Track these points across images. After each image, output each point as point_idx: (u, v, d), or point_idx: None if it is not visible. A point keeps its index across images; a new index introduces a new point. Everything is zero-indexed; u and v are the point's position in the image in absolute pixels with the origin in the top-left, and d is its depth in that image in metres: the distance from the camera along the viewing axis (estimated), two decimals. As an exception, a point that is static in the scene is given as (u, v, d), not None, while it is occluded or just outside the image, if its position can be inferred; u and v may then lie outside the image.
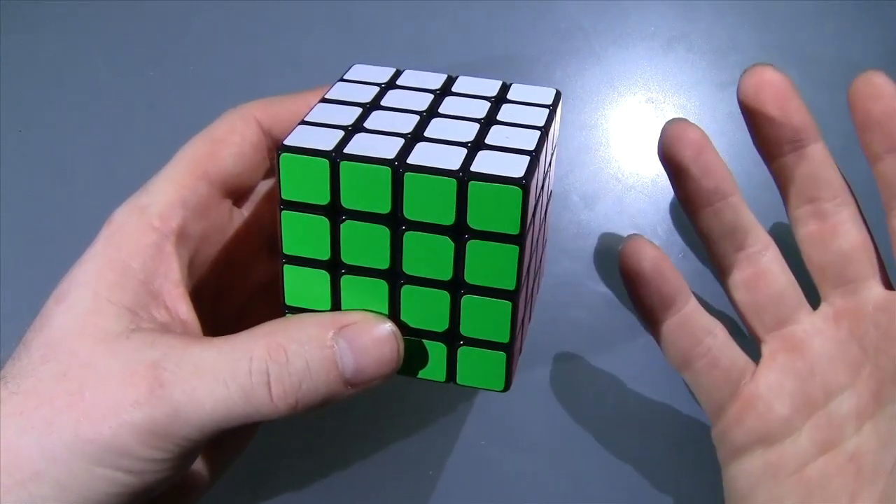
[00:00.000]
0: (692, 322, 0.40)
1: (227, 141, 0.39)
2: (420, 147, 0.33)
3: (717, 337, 0.40)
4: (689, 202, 0.40)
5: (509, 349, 0.35)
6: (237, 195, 0.41)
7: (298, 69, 0.54)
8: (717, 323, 0.41)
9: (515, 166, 0.32)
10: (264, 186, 0.43)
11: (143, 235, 0.36)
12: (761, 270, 0.40)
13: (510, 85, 0.38)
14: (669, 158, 0.40)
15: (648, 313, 0.41)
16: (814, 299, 0.42)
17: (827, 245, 0.39)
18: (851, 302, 0.39)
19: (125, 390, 0.33)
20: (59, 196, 0.53)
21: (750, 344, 0.43)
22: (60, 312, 0.35)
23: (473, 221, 0.32)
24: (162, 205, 0.37)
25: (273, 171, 0.42)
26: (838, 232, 0.39)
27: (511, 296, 0.34)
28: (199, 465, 0.41)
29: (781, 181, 0.40)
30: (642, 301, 0.40)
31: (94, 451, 0.33)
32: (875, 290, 0.39)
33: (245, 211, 0.42)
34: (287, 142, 0.33)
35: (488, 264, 0.33)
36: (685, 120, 0.39)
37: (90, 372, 0.34)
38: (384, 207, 0.32)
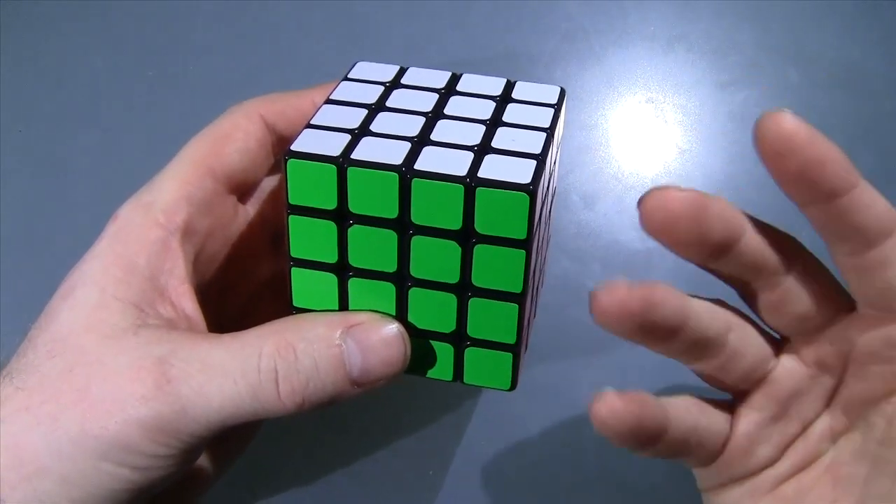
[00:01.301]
0: (675, 438, 0.36)
1: (232, 137, 0.39)
2: (427, 151, 0.33)
3: (700, 427, 0.37)
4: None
5: (516, 349, 0.35)
6: (242, 191, 0.41)
7: (300, 68, 0.54)
8: (692, 407, 0.37)
9: (522, 171, 0.32)
10: (268, 182, 0.43)
11: (149, 232, 0.36)
12: (727, 357, 0.37)
13: (515, 83, 0.38)
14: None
15: (630, 449, 0.36)
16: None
17: (783, 310, 0.36)
18: (814, 340, 0.37)
19: (132, 386, 0.33)
20: (59, 196, 0.52)
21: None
22: (67, 308, 0.35)
23: (481, 226, 0.32)
24: (167, 201, 0.37)
25: (278, 167, 0.42)
26: (790, 296, 0.36)
27: (518, 298, 0.34)
28: (202, 461, 0.41)
29: (726, 272, 0.36)
30: (627, 445, 0.36)
31: (100, 447, 0.33)
32: (835, 324, 0.37)
33: (249, 207, 0.42)
34: (294, 147, 0.33)
35: (495, 268, 0.33)
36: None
37: (97, 368, 0.34)
38: (392, 212, 0.33)
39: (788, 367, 0.38)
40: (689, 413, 0.37)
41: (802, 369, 0.38)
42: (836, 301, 0.37)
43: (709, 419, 0.38)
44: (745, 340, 0.37)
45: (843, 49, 0.54)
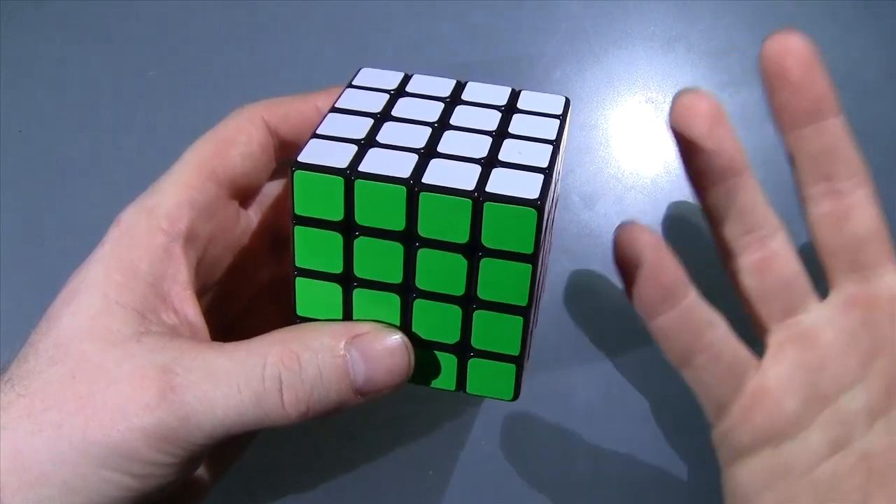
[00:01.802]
0: (692, 315, 0.37)
1: (235, 141, 0.39)
2: (434, 164, 0.33)
3: (719, 330, 0.38)
4: (698, 178, 0.38)
5: (519, 360, 0.35)
6: (244, 196, 0.41)
7: (301, 70, 0.54)
8: (719, 317, 0.38)
9: (530, 186, 0.32)
10: (271, 187, 0.43)
11: (152, 237, 0.36)
12: (770, 254, 0.38)
13: (520, 92, 0.38)
14: (679, 131, 0.37)
15: (645, 306, 0.38)
16: (822, 290, 0.40)
17: (841, 227, 0.37)
18: (864, 290, 0.37)
19: (135, 394, 0.33)
20: (59, 196, 0.52)
21: (750, 341, 0.41)
22: (69, 314, 0.35)
23: (488, 240, 0.32)
24: (170, 206, 0.37)
25: (280, 171, 0.42)
26: (853, 214, 0.37)
27: (523, 311, 0.34)
28: (200, 468, 0.41)
29: (796, 155, 0.38)
30: (639, 293, 0.38)
31: (102, 454, 0.33)
32: (890, 277, 0.38)
33: (252, 212, 0.42)
34: (301, 158, 0.33)
35: (501, 281, 0.33)
36: (698, 90, 0.37)
37: (100, 374, 0.34)
38: (398, 225, 0.33)
39: (828, 316, 0.38)
40: (714, 315, 0.38)
41: (844, 322, 0.38)
42: (890, 247, 0.38)
43: (732, 338, 0.39)
44: (790, 252, 0.38)
45: (843, 49, 0.54)
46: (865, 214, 0.37)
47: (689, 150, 0.37)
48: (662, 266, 0.37)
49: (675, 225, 0.50)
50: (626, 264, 0.37)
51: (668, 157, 0.52)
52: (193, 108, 0.52)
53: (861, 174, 0.37)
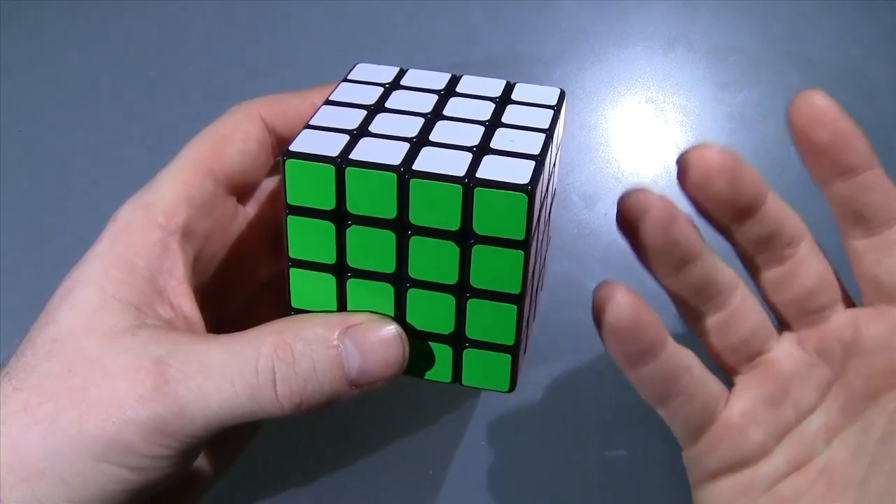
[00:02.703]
0: (670, 365, 0.37)
1: (232, 138, 0.39)
2: (425, 152, 0.33)
3: (693, 372, 0.38)
4: (657, 271, 0.37)
5: (514, 351, 0.35)
6: (242, 192, 0.41)
7: (300, 68, 0.54)
8: (693, 358, 0.38)
9: (521, 172, 0.32)
10: (269, 184, 0.43)
11: (149, 233, 0.36)
12: (730, 314, 0.38)
13: (514, 85, 0.38)
14: (632, 235, 0.36)
15: (626, 362, 0.37)
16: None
17: (789, 285, 0.38)
18: (817, 329, 0.38)
19: (130, 386, 0.33)
20: (59, 196, 0.52)
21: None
22: (66, 309, 0.35)
23: (479, 227, 0.32)
24: (167, 202, 0.37)
25: (278, 168, 0.42)
26: (798, 271, 0.38)
27: (516, 299, 0.34)
28: (201, 462, 0.41)
29: (734, 244, 0.38)
30: (619, 352, 0.37)
31: (98, 448, 0.33)
32: (839, 315, 0.38)
33: (249, 208, 0.42)
34: (292, 147, 0.33)
35: (494, 269, 0.33)
36: (646, 190, 0.35)
37: (95, 368, 0.34)
38: (390, 213, 0.32)
39: (788, 351, 0.39)
40: (689, 356, 0.38)
41: (802, 355, 0.38)
42: (838, 288, 0.38)
43: (705, 375, 0.38)
44: (750, 304, 0.38)
45: (843, 49, 0.54)
46: (809, 268, 0.38)
47: (642, 250, 0.36)
48: (641, 327, 0.36)
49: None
50: (606, 328, 0.36)
51: (668, 158, 0.52)
52: (193, 108, 0.52)
53: (800, 232, 0.37)
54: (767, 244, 0.37)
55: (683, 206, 0.36)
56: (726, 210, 0.36)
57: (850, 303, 0.39)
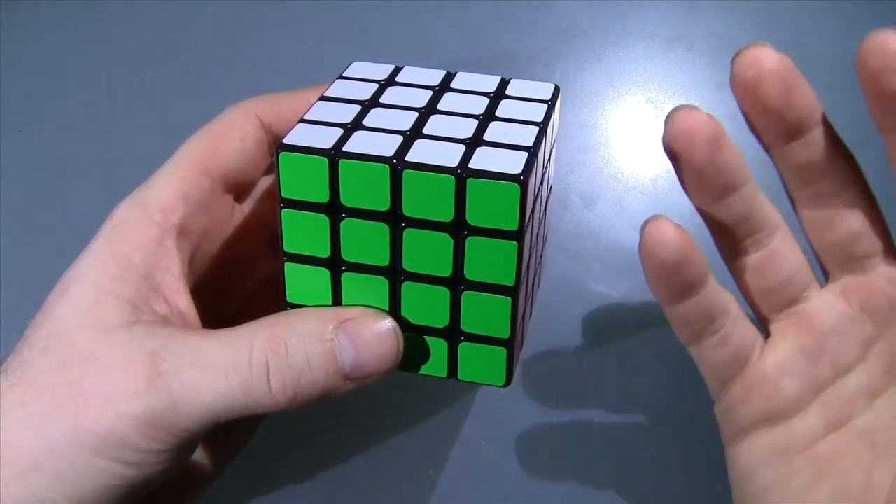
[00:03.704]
0: (708, 302, 0.37)
1: (229, 136, 0.39)
2: (418, 144, 0.33)
3: (731, 314, 0.38)
4: (697, 196, 0.37)
5: (510, 344, 0.35)
6: (238, 191, 0.41)
7: (298, 68, 0.54)
8: (732, 299, 0.38)
9: (513, 162, 0.32)
10: (266, 183, 0.43)
11: (145, 230, 0.36)
12: (770, 253, 0.37)
13: (509, 81, 0.38)
14: (679, 155, 0.35)
15: (667, 298, 0.37)
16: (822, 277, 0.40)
17: (833, 226, 0.37)
18: (861, 279, 0.37)
19: (125, 381, 0.33)
20: (59, 196, 0.53)
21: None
22: (62, 305, 0.35)
23: (472, 218, 0.32)
24: (163, 199, 0.37)
25: (274, 167, 0.42)
26: (845, 212, 0.36)
27: (511, 291, 0.34)
28: (201, 459, 0.41)
29: (783, 168, 0.37)
30: (663, 289, 0.37)
31: (93, 443, 0.33)
32: (884, 266, 0.37)
33: (246, 207, 0.42)
34: (286, 140, 0.33)
35: (488, 260, 0.33)
36: (695, 109, 0.34)
37: (90, 363, 0.34)
38: (383, 205, 0.33)
39: (828, 302, 0.38)
40: (728, 298, 0.38)
41: (844, 309, 0.38)
42: (887, 239, 0.37)
43: (742, 320, 0.38)
44: (791, 246, 0.38)
45: (844, 49, 0.53)
46: (857, 211, 0.37)
47: (689, 173, 0.36)
48: (688, 264, 0.36)
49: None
50: (650, 257, 0.36)
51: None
52: (192, 108, 0.52)
53: (853, 174, 0.36)
54: (815, 175, 0.36)
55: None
56: (776, 121, 0.34)
57: None
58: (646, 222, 0.35)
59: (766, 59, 0.33)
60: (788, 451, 0.38)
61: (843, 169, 0.36)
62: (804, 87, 0.34)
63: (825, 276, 0.39)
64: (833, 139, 0.36)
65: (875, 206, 0.37)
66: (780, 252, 0.38)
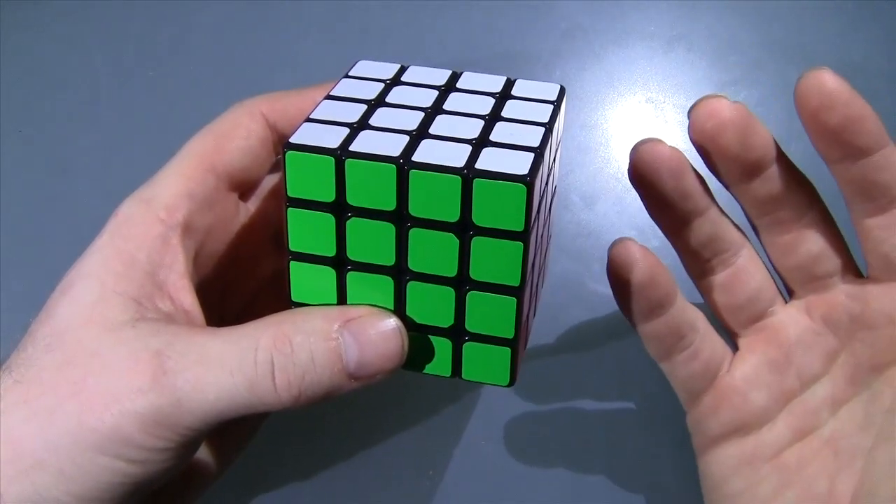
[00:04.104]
0: (677, 319, 0.39)
1: (234, 135, 0.39)
2: (425, 144, 0.33)
3: (699, 329, 0.39)
4: (665, 224, 0.39)
5: (514, 344, 0.35)
6: (243, 189, 0.41)
7: (300, 68, 0.54)
8: (700, 314, 0.40)
9: (520, 163, 0.32)
10: (270, 181, 0.43)
11: (150, 227, 0.36)
12: (735, 271, 0.39)
13: (514, 81, 0.38)
14: (645, 185, 0.37)
15: (636, 317, 0.39)
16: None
17: (795, 250, 0.38)
18: (823, 295, 0.39)
19: (128, 378, 0.33)
20: (59, 195, 0.53)
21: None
22: (66, 303, 0.35)
23: (478, 218, 0.32)
24: (168, 196, 0.37)
25: (279, 165, 0.42)
26: (805, 236, 0.38)
27: (516, 292, 0.34)
28: (204, 458, 0.41)
29: (741, 202, 0.38)
30: (630, 307, 0.39)
31: (97, 440, 0.33)
32: (845, 282, 0.39)
33: (251, 205, 0.42)
34: (293, 139, 0.33)
35: (493, 261, 0.33)
36: (657, 140, 0.36)
37: (94, 360, 0.34)
38: (389, 205, 0.32)
39: (793, 317, 0.39)
40: (696, 314, 0.39)
41: (808, 323, 0.39)
42: (846, 257, 0.39)
43: (710, 334, 0.40)
44: (756, 264, 0.39)
45: (844, 49, 0.54)
46: (818, 235, 0.38)
47: (655, 200, 0.37)
48: (655, 283, 0.37)
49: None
50: (618, 278, 0.38)
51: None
52: (193, 107, 0.52)
53: (811, 198, 0.38)
54: (775, 206, 0.37)
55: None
56: (735, 164, 0.36)
57: (857, 273, 0.39)
58: (612, 245, 0.38)
59: (724, 111, 0.35)
60: (756, 459, 0.39)
61: (801, 196, 0.38)
62: (760, 129, 0.36)
63: (789, 293, 0.40)
64: (790, 170, 0.37)
65: (833, 227, 0.39)
66: (745, 270, 0.39)
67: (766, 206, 0.37)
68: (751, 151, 0.36)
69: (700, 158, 0.37)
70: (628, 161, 0.37)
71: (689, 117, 0.36)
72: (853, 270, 0.39)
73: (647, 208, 0.38)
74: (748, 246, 0.39)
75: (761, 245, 0.39)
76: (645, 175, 0.37)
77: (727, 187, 0.38)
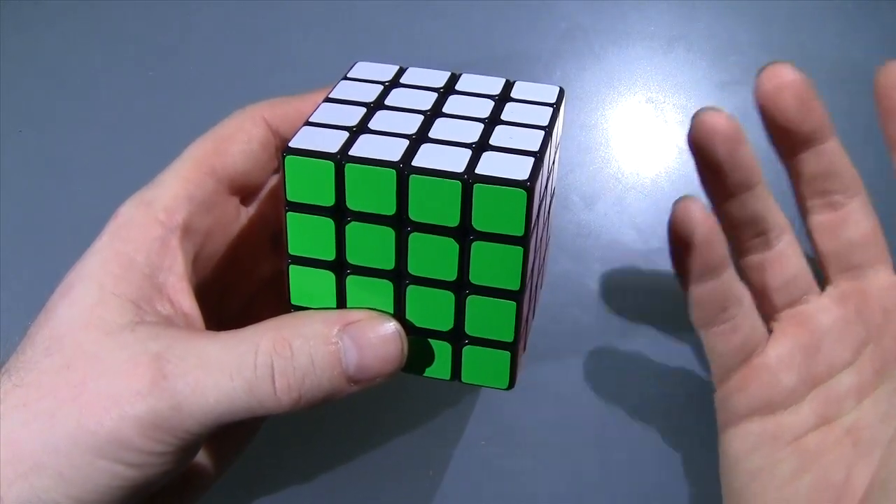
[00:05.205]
0: (726, 289, 0.40)
1: (235, 139, 0.39)
2: (425, 148, 0.33)
3: (744, 305, 0.41)
4: (715, 193, 0.40)
5: (514, 348, 0.35)
6: (244, 193, 0.41)
7: (300, 69, 0.54)
8: (746, 293, 0.41)
9: (520, 168, 0.32)
10: (270, 183, 0.43)
11: (149, 229, 0.36)
12: (776, 254, 0.41)
13: (514, 83, 0.38)
14: (701, 151, 0.39)
15: (688, 276, 0.40)
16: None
17: (836, 233, 0.40)
18: (858, 284, 0.40)
19: (128, 382, 0.33)
20: (59, 196, 0.52)
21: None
22: (65, 305, 0.35)
23: (478, 223, 0.32)
24: (168, 199, 0.37)
25: (280, 170, 0.42)
26: (848, 221, 0.40)
27: (515, 296, 0.34)
28: (202, 460, 0.41)
29: (794, 176, 0.40)
30: (685, 266, 0.40)
31: (96, 443, 0.33)
32: (881, 274, 0.40)
33: (252, 209, 0.42)
34: (292, 144, 0.33)
35: (493, 265, 0.33)
36: (718, 110, 0.38)
37: (94, 364, 0.34)
38: (389, 209, 0.32)
39: (826, 305, 0.41)
40: (744, 291, 0.41)
41: (840, 312, 0.41)
42: (883, 250, 0.41)
43: (753, 313, 0.41)
44: (795, 250, 0.41)
45: (843, 49, 0.54)
46: (859, 221, 0.40)
47: (708, 168, 0.39)
48: (712, 245, 0.39)
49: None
50: (679, 236, 0.39)
51: (668, 157, 0.52)
52: (193, 108, 0.52)
53: (854, 185, 0.40)
54: (823, 184, 0.39)
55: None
56: (792, 130, 0.38)
57: (892, 267, 0.41)
58: (675, 202, 0.39)
59: (786, 74, 0.37)
60: (778, 439, 0.40)
61: (848, 181, 0.40)
62: (818, 104, 0.38)
63: (825, 281, 0.41)
64: (841, 153, 0.39)
65: (874, 219, 0.41)
66: (785, 254, 0.41)
67: (816, 181, 0.39)
68: (807, 118, 0.38)
69: (763, 124, 0.39)
70: (688, 128, 0.38)
71: (755, 81, 0.38)
72: (888, 264, 0.40)
73: (699, 176, 0.39)
74: (790, 233, 0.41)
75: (805, 228, 0.41)
76: (700, 141, 0.38)
77: (781, 158, 0.40)
